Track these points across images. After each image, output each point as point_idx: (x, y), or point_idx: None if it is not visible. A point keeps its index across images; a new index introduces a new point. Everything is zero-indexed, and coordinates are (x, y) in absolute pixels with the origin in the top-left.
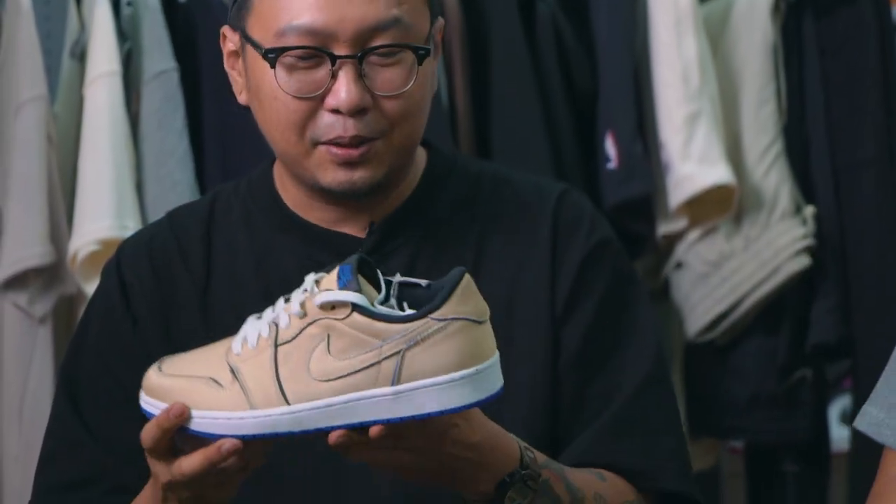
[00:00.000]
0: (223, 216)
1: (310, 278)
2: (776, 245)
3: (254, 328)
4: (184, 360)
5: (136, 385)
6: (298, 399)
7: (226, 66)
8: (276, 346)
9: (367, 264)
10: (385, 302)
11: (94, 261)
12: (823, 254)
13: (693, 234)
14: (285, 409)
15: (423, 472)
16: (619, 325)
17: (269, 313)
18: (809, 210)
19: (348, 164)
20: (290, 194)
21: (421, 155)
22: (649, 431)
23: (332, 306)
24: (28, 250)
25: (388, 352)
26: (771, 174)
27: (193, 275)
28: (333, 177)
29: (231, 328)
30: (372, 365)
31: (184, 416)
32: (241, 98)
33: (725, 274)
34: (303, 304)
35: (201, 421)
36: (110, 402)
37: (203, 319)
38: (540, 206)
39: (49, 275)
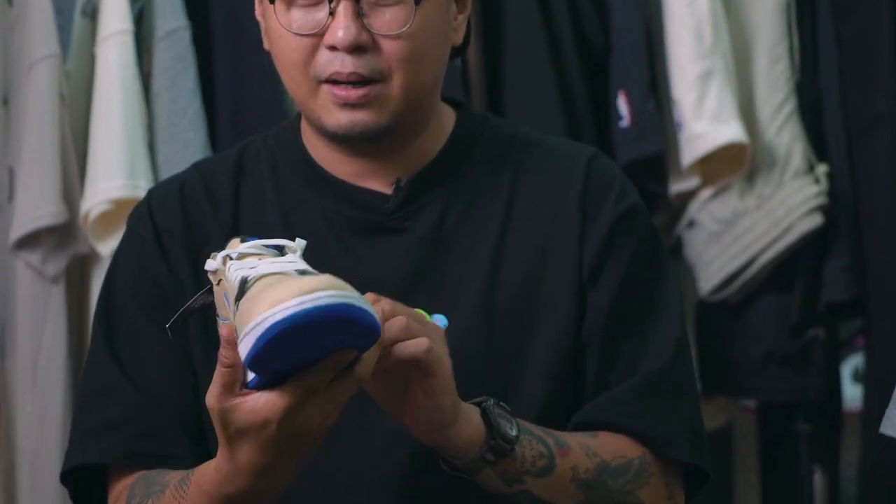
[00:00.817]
0: (252, 167)
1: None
2: (789, 203)
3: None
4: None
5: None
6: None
7: (256, 13)
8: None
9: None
10: None
11: (107, 220)
12: (836, 212)
13: (706, 193)
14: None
15: (449, 380)
16: (645, 291)
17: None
18: (822, 168)
19: (349, 105)
20: (316, 147)
21: (449, 113)
22: (669, 399)
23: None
24: (41, 210)
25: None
26: (784, 132)
27: (222, 223)
28: (336, 118)
29: None
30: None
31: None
32: (265, 44)
33: (738, 232)
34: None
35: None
36: (146, 347)
37: None
38: (570, 169)
39: (62, 234)
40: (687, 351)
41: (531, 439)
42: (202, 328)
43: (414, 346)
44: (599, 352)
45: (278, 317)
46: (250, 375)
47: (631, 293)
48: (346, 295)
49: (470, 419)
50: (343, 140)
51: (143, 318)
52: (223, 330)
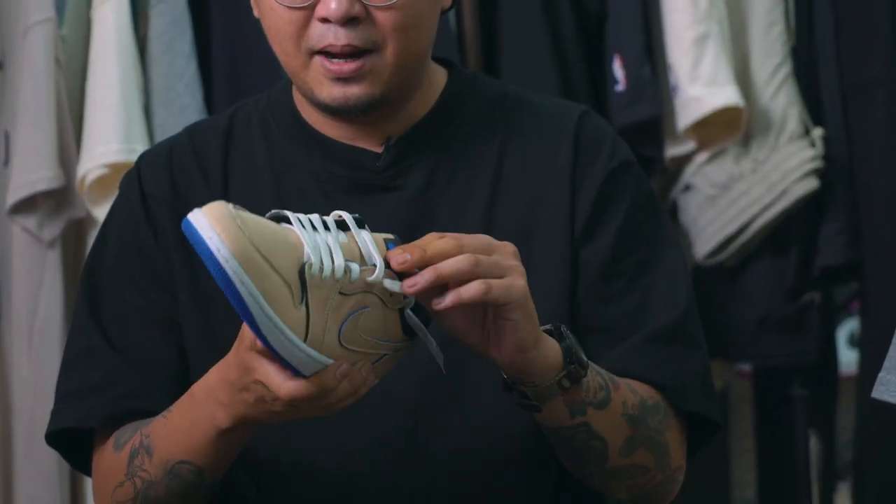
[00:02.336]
0: (242, 129)
1: (367, 237)
2: (784, 167)
3: (326, 254)
4: (257, 225)
5: (157, 295)
6: (326, 352)
7: None
8: (338, 292)
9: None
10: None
11: (103, 184)
12: (832, 176)
13: (701, 157)
14: (317, 355)
15: (529, 302)
16: (643, 245)
17: (333, 243)
18: (818, 132)
19: (342, 79)
20: (308, 110)
21: (440, 74)
22: (678, 350)
23: (390, 293)
24: (37, 174)
25: (393, 354)
26: (779, 96)
27: (211, 187)
28: (328, 92)
29: None
30: (381, 357)
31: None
32: (255, 12)
33: (734, 196)
34: (380, 276)
35: (273, 330)
36: (130, 310)
37: None
38: (560, 127)
39: (58, 198)
40: (694, 304)
41: (592, 369)
42: (191, 284)
43: (470, 291)
44: (597, 308)
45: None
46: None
47: (627, 248)
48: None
49: (548, 343)
50: (336, 112)
51: (128, 283)
52: None
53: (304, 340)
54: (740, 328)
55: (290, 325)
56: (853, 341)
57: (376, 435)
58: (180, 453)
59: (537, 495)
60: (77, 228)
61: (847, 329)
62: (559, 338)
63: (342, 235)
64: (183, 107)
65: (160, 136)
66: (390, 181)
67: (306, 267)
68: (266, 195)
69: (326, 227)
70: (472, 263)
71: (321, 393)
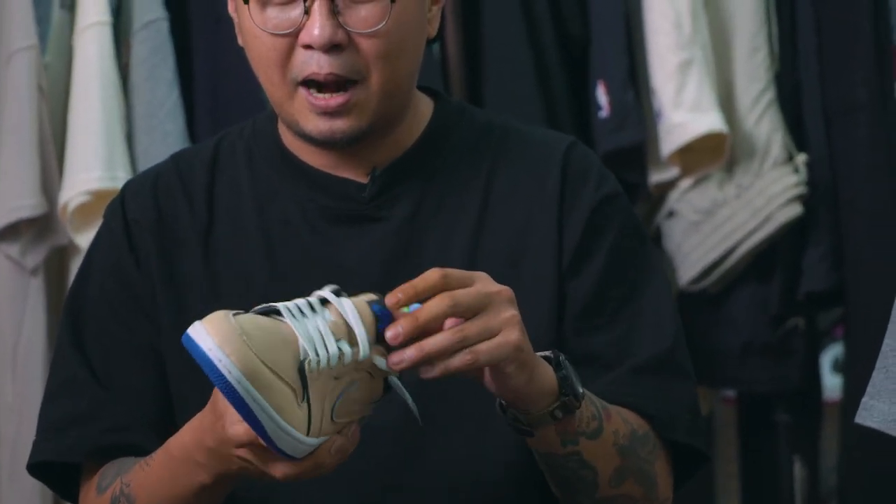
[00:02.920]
0: (227, 158)
1: (351, 310)
2: (768, 193)
3: (320, 344)
4: (257, 330)
5: (139, 325)
6: (321, 434)
7: (229, 9)
8: (333, 378)
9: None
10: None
11: (85, 212)
12: (815, 201)
13: (685, 183)
14: (315, 442)
15: (520, 352)
16: (630, 276)
17: (323, 328)
18: (801, 158)
19: (328, 113)
20: (291, 139)
21: (427, 103)
22: (666, 381)
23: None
24: (20, 201)
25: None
26: (763, 122)
27: (196, 216)
28: (314, 125)
29: (232, 270)
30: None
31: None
32: (239, 40)
33: (717, 222)
34: (367, 354)
35: (280, 433)
36: (113, 341)
37: (205, 260)
38: (548, 158)
39: (41, 226)
40: (682, 334)
41: (587, 398)
42: (174, 311)
43: (456, 362)
44: (583, 338)
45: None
46: None
47: (613, 280)
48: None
49: (544, 374)
50: (321, 145)
51: (111, 312)
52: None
53: (307, 434)
54: (724, 354)
55: (296, 425)
56: (837, 367)
57: (362, 469)
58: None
59: None
60: (60, 255)
61: (831, 355)
62: (556, 367)
63: (328, 313)
64: (165, 134)
65: (143, 164)
66: (376, 211)
67: (305, 364)
68: (251, 224)
69: (312, 309)
70: (459, 340)
71: (316, 469)
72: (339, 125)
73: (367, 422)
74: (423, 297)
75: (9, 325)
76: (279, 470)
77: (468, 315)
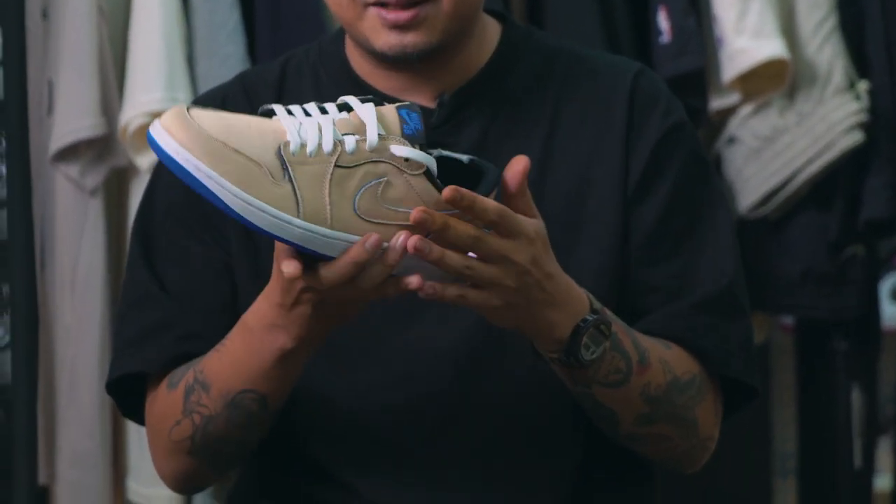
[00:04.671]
0: (294, 80)
1: (368, 108)
2: (829, 120)
3: (313, 132)
4: (218, 120)
5: (210, 241)
6: (339, 227)
7: None
8: (335, 165)
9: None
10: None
11: (145, 133)
12: (877, 129)
13: (746, 109)
14: (326, 231)
15: (507, 311)
16: (694, 207)
17: (324, 121)
18: (863, 85)
19: (399, 27)
20: (360, 62)
21: (494, 27)
22: (724, 317)
23: (405, 158)
24: (79, 122)
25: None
26: (825, 48)
27: None
28: (385, 40)
29: None
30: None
31: (378, 248)
32: None
33: (778, 149)
34: (374, 143)
35: (252, 210)
36: (184, 255)
37: None
38: (616, 85)
39: (100, 147)
40: (741, 269)
41: (615, 355)
42: (243, 231)
43: (447, 293)
44: (645, 268)
45: None
46: None
47: (677, 210)
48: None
49: (558, 325)
50: (392, 61)
51: (182, 229)
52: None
53: (297, 216)
54: (783, 281)
55: (271, 201)
56: None
57: (423, 391)
58: (241, 383)
59: (579, 452)
60: (119, 177)
61: (890, 283)
62: (574, 332)
63: (344, 115)
64: (226, 56)
65: (203, 86)
66: (444, 137)
67: (281, 146)
68: None
69: (324, 111)
70: (466, 266)
71: (355, 268)
72: (410, 39)
73: (430, 344)
74: (474, 215)
75: (68, 246)
76: (322, 275)
77: (485, 259)
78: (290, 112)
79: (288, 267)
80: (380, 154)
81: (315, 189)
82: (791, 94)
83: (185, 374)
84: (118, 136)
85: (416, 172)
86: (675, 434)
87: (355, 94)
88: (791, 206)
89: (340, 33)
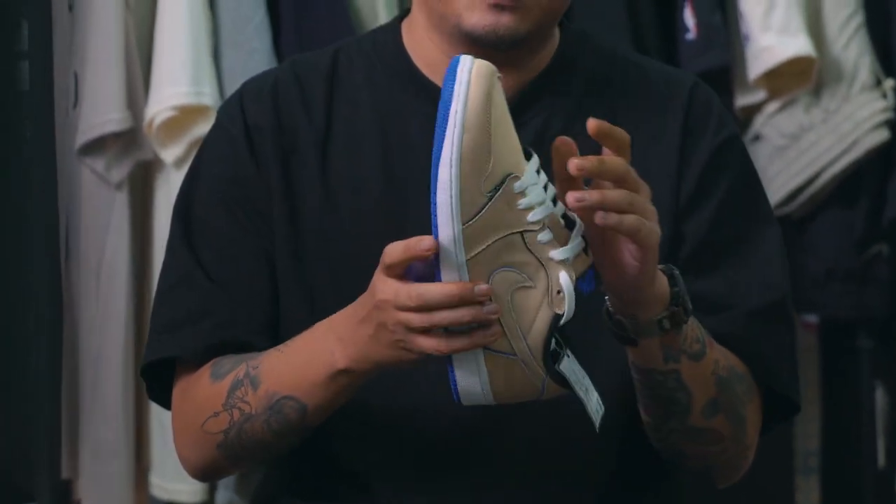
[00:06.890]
0: (346, 71)
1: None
2: (855, 118)
3: (537, 195)
4: (504, 113)
5: (254, 227)
6: (469, 266)
7: None
8: (517, 232)
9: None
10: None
11: (171, 127)
12: None
13: (771, 107)
14: (462, 258)
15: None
16: (742, 221)
17: (551, 204)
18: (889, 83)
19: (498, 6)
20: (420, 54)
21: (554, 30)
22: (775, 330)
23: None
24: (105, 115)
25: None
26: (851, 46)
27: (314, 125)
28: (480, 17)
29: (348, 184)
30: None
31: (482, 297)
32: None
33: (803, 147)
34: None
35: (448, 184)
36: (226, 240)
37: (321, 171)
38: (671, 96)
39: (126, 140)
40: (787, 278)
41: (694, 319)
42: (288, 220)
43: (626, 224)
44: (691, 279)
45: None
46: None
47: (725, 223)
48: None
49: (662, 281)
50: (479, 42)
51: (226, 213)
52: None
53: (464, 224)
54: (807, 279)
55: (464, 196)
56: None
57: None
58: (288, 388)
59: (613, 460)
60: (144, 171)
61: None
62: (671, 281)
63: (562, 223)
64: (251, 50)
65: (228, 80)
66: None
67: (511, 176)
68: (369, 139)
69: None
70: (630, 201)
71: (451, 300)
72: (505, 21)
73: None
74: (604, 177)
75: (93, 239)
76: (421, 290)
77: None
78: (539, 171)
79: (395, 249)
80: (552, 263)
81: (490, 226)
82: (817, 91)
83: (236, 368)
84: (144, 130)
85: (554, 309)
86: (729, 433)
87: (413, 89)
88: (816, 204)
89: (395, 25)
